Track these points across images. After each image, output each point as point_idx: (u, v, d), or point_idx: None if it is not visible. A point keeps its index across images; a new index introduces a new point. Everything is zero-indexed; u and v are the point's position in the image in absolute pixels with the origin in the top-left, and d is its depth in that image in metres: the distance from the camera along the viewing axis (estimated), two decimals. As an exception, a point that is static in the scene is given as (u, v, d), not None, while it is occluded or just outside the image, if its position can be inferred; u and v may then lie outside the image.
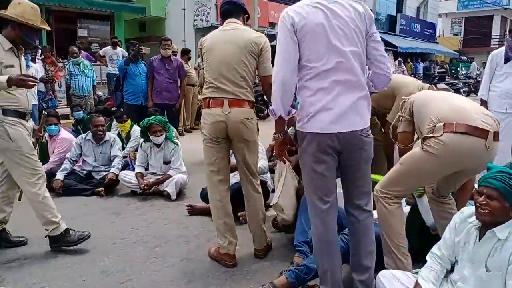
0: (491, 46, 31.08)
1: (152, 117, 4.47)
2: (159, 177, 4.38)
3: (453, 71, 22.60)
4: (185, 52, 8.44)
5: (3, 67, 2.74)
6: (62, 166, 4.49)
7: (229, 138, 2.75)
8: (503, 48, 4.65)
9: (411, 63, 21.36)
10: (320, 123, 2.06)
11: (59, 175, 4.40)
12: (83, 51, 9.02)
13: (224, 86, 2.65)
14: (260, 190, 2.91)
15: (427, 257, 2.20)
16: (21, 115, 2.86)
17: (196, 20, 14.17)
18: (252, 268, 2.81)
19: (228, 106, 2.65)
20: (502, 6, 30.60)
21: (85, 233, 3.06)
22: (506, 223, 1.88)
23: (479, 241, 1.96)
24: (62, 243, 3.01)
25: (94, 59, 9.98)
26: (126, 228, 3.52)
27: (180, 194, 4.34)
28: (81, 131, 5.68)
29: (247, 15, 2.90)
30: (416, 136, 2.68)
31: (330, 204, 2.17)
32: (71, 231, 3.04)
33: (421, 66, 21.81)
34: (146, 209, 4.00)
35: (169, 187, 4.21)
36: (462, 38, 31.88)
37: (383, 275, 2.26)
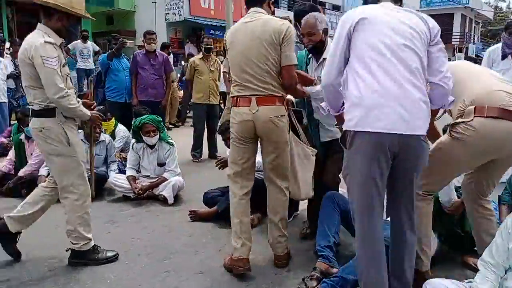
0: (452, 42, 32.35)
1: (145, 116, 4.15)
2: (153, 180, 4.08)
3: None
4: (165, 47, 8.07)
5: (61, 66, 2.53)
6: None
7: (257, 138, 2.57)
8: (499, 45, 4.67)
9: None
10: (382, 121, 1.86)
11: (43, 171, 4.03)
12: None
13: (249, 83, 2.48)
14: (287, 193, 2.71)
15: (479, 265, 2.07)
16: None
17: (167, 14, 13.69)
18: (275, 279, 2.59)
19: (256, 104, 2.47)
20: (462, 4, 31.84)
21: (113, 252, 2.82)
22: None
23: (539, 247, 1.85)
24: (87, 259, 2.71)
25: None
26: (125, 238, 3.20)
27: (177, 198, 4.04)
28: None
29: (273, 0, 2.69)
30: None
31: (377, 213, 1.99)
32: (99, 248, 2.78)
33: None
34: (143, 216, 3.69)
35: (166, 191, 3.91)
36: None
37: (431, 283, 2.11)
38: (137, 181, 4.07)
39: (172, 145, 4.17)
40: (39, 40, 2.45)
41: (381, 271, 2.01)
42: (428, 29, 1.99)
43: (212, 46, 5.76)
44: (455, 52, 31.16)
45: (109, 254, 2.79)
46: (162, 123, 4.18)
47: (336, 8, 21.84)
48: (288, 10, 18.29)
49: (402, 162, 1.93)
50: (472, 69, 2.45)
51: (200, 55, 5.69)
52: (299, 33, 2.96)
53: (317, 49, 2.85)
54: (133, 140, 4.21)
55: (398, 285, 2.10)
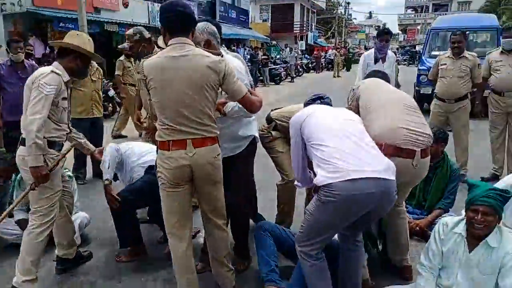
0: (294, 31, 35.28)
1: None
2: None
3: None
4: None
5: (60, 98, 2.69)
6: None
7: (192, 180, 2.41)
8: (372, 50, 5.32)
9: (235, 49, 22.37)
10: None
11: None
12: None
13: (184, 126, 2.28)
14: (226, 228, 2.65)
15: (419, 269, 2.41)
16: None
17: (4, 4, 11.61)
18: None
19: (192, 147, 2.30)
20: (300, -5, 34.88)
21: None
22: (493, 233, 2.18)
23: (470, 249, 2.23)
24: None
25: None
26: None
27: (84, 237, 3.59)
28: None
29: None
30: None
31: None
32: None
33: (241, 51, 23.00)
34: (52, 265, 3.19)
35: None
36: (269, 24, 35.07)
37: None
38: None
39: (70, 178, 3.65)
40: (48, 69, 2.68)
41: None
42: None
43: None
44: (298, 40, 34.11)
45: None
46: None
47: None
48: None
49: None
50: (384, 100, 2.67)
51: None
52: None
53: None
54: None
55: None
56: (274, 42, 31.58)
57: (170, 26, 2.33)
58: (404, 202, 2.89)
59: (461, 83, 4.83)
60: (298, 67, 21.43)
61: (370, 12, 78.72)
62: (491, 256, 2.17)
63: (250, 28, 29.91)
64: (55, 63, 2.78)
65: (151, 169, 3.05)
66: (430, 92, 9.22)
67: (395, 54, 7.73)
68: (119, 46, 4.47)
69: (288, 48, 25.92)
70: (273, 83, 18.49)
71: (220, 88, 2.37)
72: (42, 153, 2.58)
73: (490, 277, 2.18)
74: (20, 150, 2.67)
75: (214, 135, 2.38)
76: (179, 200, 2.40)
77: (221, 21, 24.36)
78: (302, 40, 34.93)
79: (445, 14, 56.57)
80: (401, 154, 2.38)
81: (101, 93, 5.29)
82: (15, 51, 4.65)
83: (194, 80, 2.24)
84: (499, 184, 2.70)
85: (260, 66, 18.15)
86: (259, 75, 18.44)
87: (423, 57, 10.70)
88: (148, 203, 3.33)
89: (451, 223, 2.34)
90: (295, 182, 2.78)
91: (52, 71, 2.65)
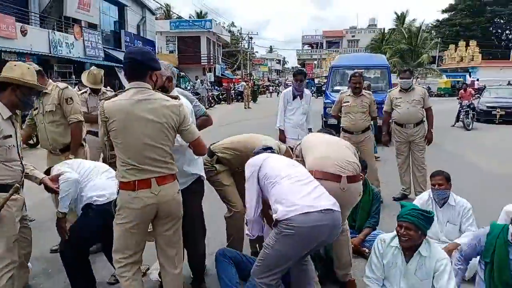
0: (202, 63, 35.95)
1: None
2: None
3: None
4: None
5: (1, 137, 2.54)
6: None
7: (153, 218, 2.50)
8: (290, 88, 5.81)
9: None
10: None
11: None
12: None
13: (149, 166, 2.38)
14: (181, 264, 2.71)
15: (366, 281, 2.75)
16: None
17: None
18: None
19: (157, 185, 2.40)
20: (207, 29, 35.80)
21: None
22: (423, 244, 2.61)
23: (407, 259, 2.64)
24: None
25: None
26: None
27: None
28: None
29: (155, 71, 2.57)
30: None
31: None
32: None
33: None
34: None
35: None
36: (177, 55, 35.31)
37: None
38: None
39: None
40: None
41: None
42: None
43: None
44: (206, 72, 34.75)
45: None
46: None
47: (93, 26, 20.98)
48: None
49: None
50: (319, 142, 3.13)
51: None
52: None
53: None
54: None
55: None
56: (182, 74, 31.80)
57: (126, 72, 2.48)
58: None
59: (364, 117, 5.47)
60: (210, 98, 21.82)
61: (270, 47, 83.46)
62: (425, 263, 2.59)
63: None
64: None
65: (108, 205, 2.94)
66: (336, 123, 10.22)
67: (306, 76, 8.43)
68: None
69: (199, 80, 26.30)
70: (186, 114, 18.50)
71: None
72: None
73: (426, 281, 2.59)
74: None
75: (174, 172, 2.51)
76: (137, 238, 2.45)
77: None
78: (211, 72, 35.69)
79: (337, 50, 62.59)
80: (329, 178, 2.72)
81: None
82: None
83: (156, 122, 2.37)
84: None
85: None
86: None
87: (327, 92, 11.75)
88: (101, 241, 3.23)
89: (388, 239, 2.74)
90: (246, 232, 2.90)
91: None
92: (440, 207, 3.68)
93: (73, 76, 17.52)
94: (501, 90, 17.84)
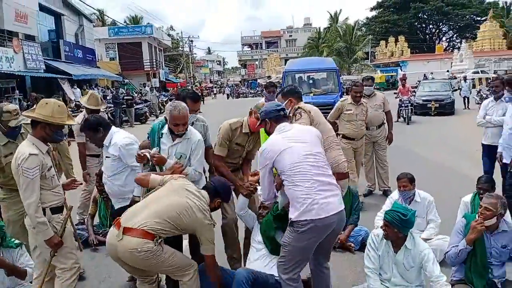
0: (145, 69, 35.41)
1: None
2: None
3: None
4: None
5: (46, 171, 2.92)
6: None
7: None
8: (263, 99, 6.27)
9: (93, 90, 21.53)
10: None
11: None
12: None
13: None
14: None
15: (366, 271, 3.29)
16: None
17: None
18: None
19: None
20: (147, 34, 35.29)
21: None
22: (408, 239, 3.19)
23: (395, 251, 3.22)
24: None
25: None
26: None
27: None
28: None
29: None
30: None
31: None
32: None
33: (100, 91, 22.27)
34: None
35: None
36: (118, 62, 34.45)
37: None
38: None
39: (19, 245, 3.52)
40: (26, 151, 2.85)
41: None
42: None
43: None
44: (151, 77, 34.29)
45: None
46: (3, 228, 3.50)
47: (31, 38, 20.09)
48: None
49: None
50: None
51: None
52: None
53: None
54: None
55: None
56: (126, 81, 31.19)
57: None
58: None
59: (363, 125, 5.83)
60: (160, 105, 21.75)
61: (208, 48, 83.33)
62: (410, 255, 3.18)
63: (98, 67, 29.04)
64: (30, 136, 3.00)
65: None
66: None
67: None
68: None
69: (148, 87, 25.99)
70: (139, 123, 18.39)
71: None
72: (48, 226, 2.86)
73: (413, 269, 3.19)
74: (27, 221, 2.97)
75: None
76: None
77: (67, 61, 23.25)
78: (155, 78, 35.25)
79: (277, 50, 64.03)
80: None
81: None
82: None
83: None
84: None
85: (124, 107, 17.91)
86: (123, 115, 18.17)
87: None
88: None
89: (381, 234, 3.30)
90: (261, 199, 3.26)
91: (30, 154, 2.83)
92: (409, 204, 4.34)
93: (17, 91, 16.77)
94: (433, 84, 19.42)
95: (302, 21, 69.11)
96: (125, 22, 43.83)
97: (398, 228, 3.10)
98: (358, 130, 5.77)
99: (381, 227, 3.22)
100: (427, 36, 60.05)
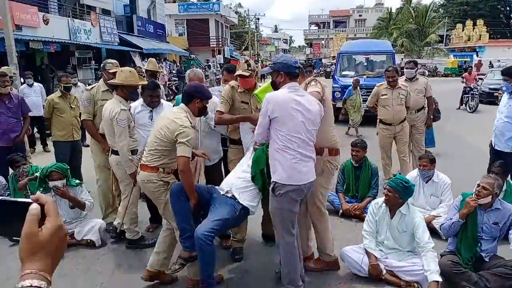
0: (211, 45, 36.46)
1: (52, 164, 4.25)
2: (71, 224, 4.27)
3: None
4: None
5: (130, 122, 3.90)
6: None
7: None
8: None
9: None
10: None
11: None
12: None
13: None
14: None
15: (363, 233, 3.69)
16: None
17: None
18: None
19: None
20: (215, 11, 36.22)
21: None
22: (404, 206, 3.53)
23: (391, 216, 3.57)
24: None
25: None
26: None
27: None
28: None
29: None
30: None
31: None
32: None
33: (168, 65, 23.60)
34: (90, 261, 3.93)
35: (93, 235, 4.17)
36: (186, 38, 35.88)
37: (345, 250, 3.63)
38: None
39: (79, 184, 4.40)
40: (117, 107, 3.78)
41: (297, 265, 3.23)
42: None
43: (71, 85, 5.79)
44: (216, 54, 35.33)
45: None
46: (68, 170, 4.34)
47: (107, 12, 21.72)
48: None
49: None
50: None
51: (59, 93, 5.65)
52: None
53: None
54: (39, 190, 4.19)
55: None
56: (193, 56, 32.48)
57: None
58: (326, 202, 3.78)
59: (402, 109, 5.78)
60: (216, 81, 22.60)
61: (275, 26, 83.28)
62: (404, 220, 3.52)
63: (168, 42, 30.50)
64: (115, 95, 3.93)
65: None
66: (341, 106, 11.06)
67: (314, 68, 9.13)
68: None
69: (212, 63, 26.95)
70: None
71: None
72: (132, 163, 3.79)
73: (405, 233, 3.53)
74: (114, 159, 3.95)
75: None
76: None
77: (139, 35, 24.79)
78: (220, 54, 36.29)
79: (344, 30, 62.42)
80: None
81: (79, 118, 5.90)
82: (3, 84, 5.15)
83: None
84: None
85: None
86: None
87: (335, 76, 12.53)
88: None
89: (380, 201, 3.67)
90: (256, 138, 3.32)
91: (121, 109, 3.76)
92: (426, 183, 4.61)
93: (93, 61, 18.42)
94: (504, 72, 18.29)
95: (374, 1, 66.29)
96: (196, -3, 45.28)
97: (400, 193, 3.46)
98: (394, 114, 5.78)
99: (384, 192, 3.58)
100: (511, 21, 55.18)
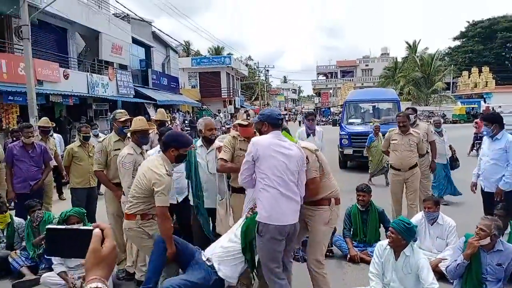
0: (222, 96, 37.57)
1: (70, 209, 4.47)
2: (82, 271, 4.38)
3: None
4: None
5: (138, 165, 4.03)
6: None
7: None
8: (304, 127, 6.91)
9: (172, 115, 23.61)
10: None
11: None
12: None
13: None
14: None
15: (370, 276, 3.76)
16: None
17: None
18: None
19: None
20: (226, 64, 37.66)
21: None
22: (408, 247, 3.63)
23: (396, 258, 3.66)
24: None
25: None
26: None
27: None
28: None
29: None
30: None
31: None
32: None
33: (181, 116, 24.31)
34: None
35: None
36: (199, 90, 37.09)
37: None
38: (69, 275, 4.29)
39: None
40: (126, 152, 4.20)
41: None
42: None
43: (89, 135, 6.13)
44: (227, 105, 36.31)
45: None
46: (85, 214, 4.55)
47: (123, 67, 22.80)
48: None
49: None
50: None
51: (78, 143, 5.98)
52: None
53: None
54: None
55: None
56: (205, 106, 33.43)
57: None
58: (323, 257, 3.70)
59: (411, 155, 5.69)
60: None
61: (284, 77, 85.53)
62: (409, 261, 3.60)
63: (181, 94, 31.57)
64: (130, 142, 4.38)
65: None
66: (351, 153, 11.26)
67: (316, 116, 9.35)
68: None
69: (223, 114, 27.72)
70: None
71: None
72: None
73: (410, 275, 3.60)
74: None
75: None
76: None
77: (154, 88, 25.80)
78: (231, 104, 37.28)
79: (351, 79, 63.86)
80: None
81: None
82: (27, 135, 5.51)
83: None
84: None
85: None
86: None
87: (342, 124, 12.81)
88: None
89: (385, 243, 3.77)
90: (239, 181, 3.44)
91: (128, 154, 4.16)
92: (431, 225, 4.70)
93: (109, 113, 19.15)
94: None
95: (379, 51, 68.26)
96: (208, 51, 47.26)
97: (402, 235, 3.55)
98: (402, 160, 5.73)
99: (387, 234, 3.69)
100: (517, 67, 56.05)
